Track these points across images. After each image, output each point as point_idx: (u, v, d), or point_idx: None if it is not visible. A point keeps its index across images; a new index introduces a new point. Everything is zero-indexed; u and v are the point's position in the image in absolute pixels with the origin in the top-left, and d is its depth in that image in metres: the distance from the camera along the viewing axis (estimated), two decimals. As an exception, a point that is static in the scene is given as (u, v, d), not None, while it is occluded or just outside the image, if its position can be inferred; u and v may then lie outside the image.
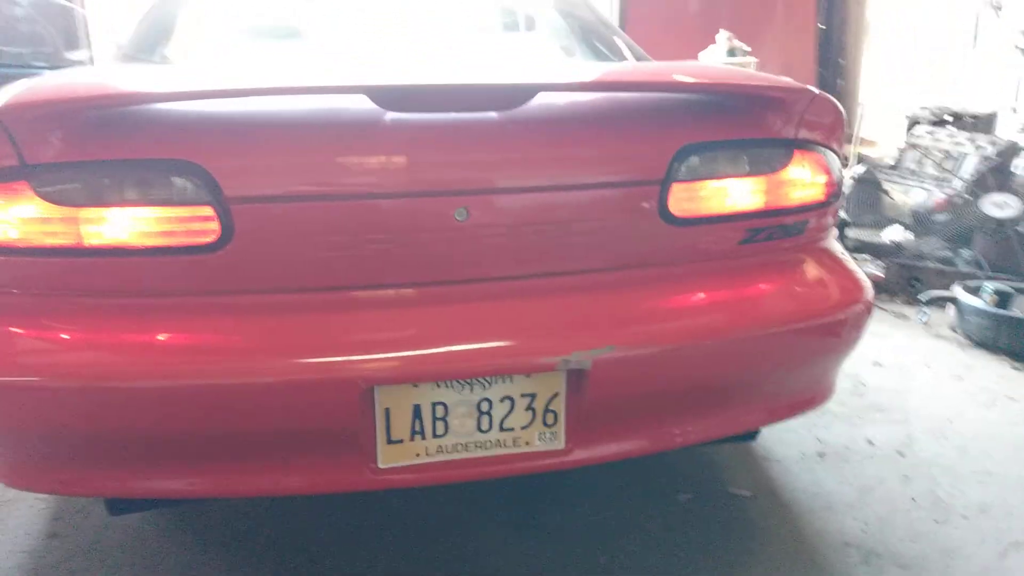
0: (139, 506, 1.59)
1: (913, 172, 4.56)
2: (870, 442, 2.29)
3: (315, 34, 2.52)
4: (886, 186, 4.46)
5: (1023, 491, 2.04)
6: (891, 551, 1.80)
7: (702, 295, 1.48)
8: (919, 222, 4.12)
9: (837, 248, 1.69)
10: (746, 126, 1.49)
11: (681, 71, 1.67)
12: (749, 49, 5.62)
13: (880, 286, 3.59)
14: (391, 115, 1.32)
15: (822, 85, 7.49)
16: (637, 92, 1.51)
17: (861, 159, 4.82)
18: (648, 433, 1.50)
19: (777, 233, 1.54)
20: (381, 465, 1.36)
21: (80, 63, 3.95)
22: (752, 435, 1.79)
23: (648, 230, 1.43)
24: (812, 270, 1.59)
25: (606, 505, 1.96)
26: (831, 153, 1.58)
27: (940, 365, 2.86)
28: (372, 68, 1.82)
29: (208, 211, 1.27)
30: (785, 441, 2.28)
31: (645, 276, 1.46)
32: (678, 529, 1.87)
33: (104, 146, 1.27)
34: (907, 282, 3.51)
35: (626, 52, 2.32)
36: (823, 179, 1.56)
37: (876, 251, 3.93)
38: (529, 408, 1.39)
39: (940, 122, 4.83)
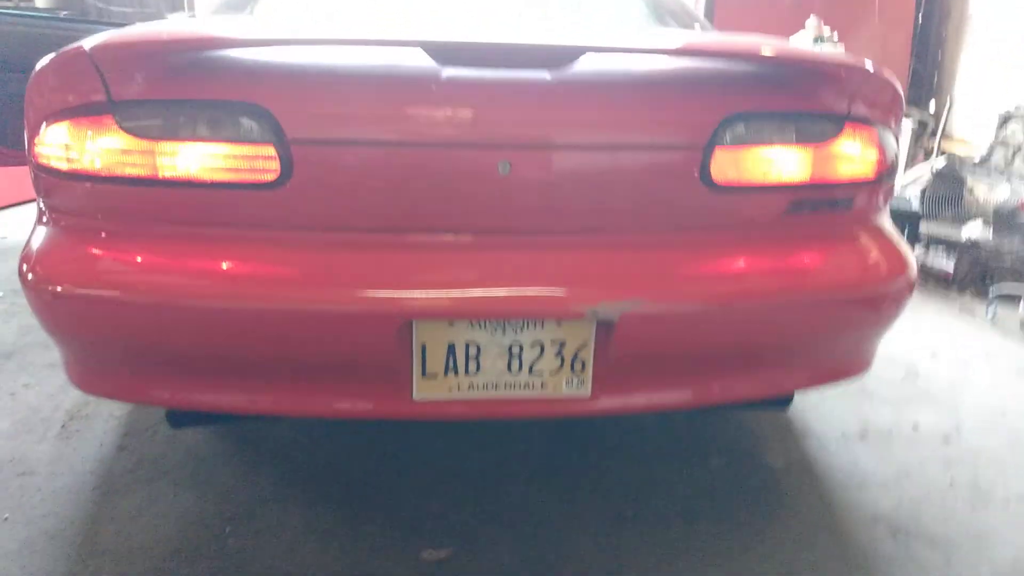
0: (196, 420, 1.73)
1: (1000, 170, 4.38)
2: (915, 428, 2.27)
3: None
4: (970, 183, 4.30)
5: (1071, 487, 1.99)
6: (921, 530, 1.80)
7: (737, 261, 1.50)
8: (1001, 220, 3.95)
9: (886, 225, 1.68)
10: (796, 98, 1.50)
11: (735, 41, 1.69)
12: (836, 37, 5.46)
13: (950, 280, 3.49)
14: (444, 70, 1.40)
15: (916, 79, 7.21)
16: (686, 57, 1.54)
17: (944, 154, 4.64)
18: (674, 389, 1.55)
19: (822, 206, 1.55)
20: (416, 397, 1.45)
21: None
22: (784, 403, 1.80)
23: (688, 194, 1.47)
24: (854, 244, 1.59)
25: (638, 463, 2.01)
26: (885, 130, 1.58)
27: (1001, 360, 2.77)
28: (433, 26, 1.89)
29: (270, 151, 1.38)
30: (826, 419, 2.28)
31: (681, 239, 1.49)
32: (706, 492, 1.91)
33: (181, 86, 1.38)
34: (979, 278, 3.40)
35: (692, 19, 2.34)
36: (874, 156, 1.56)
37: (951, 246, 3.81)
38: (558, 355, 1.45)
39: (1035, 120, 4.61)
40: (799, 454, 2.10)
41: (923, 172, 4.16)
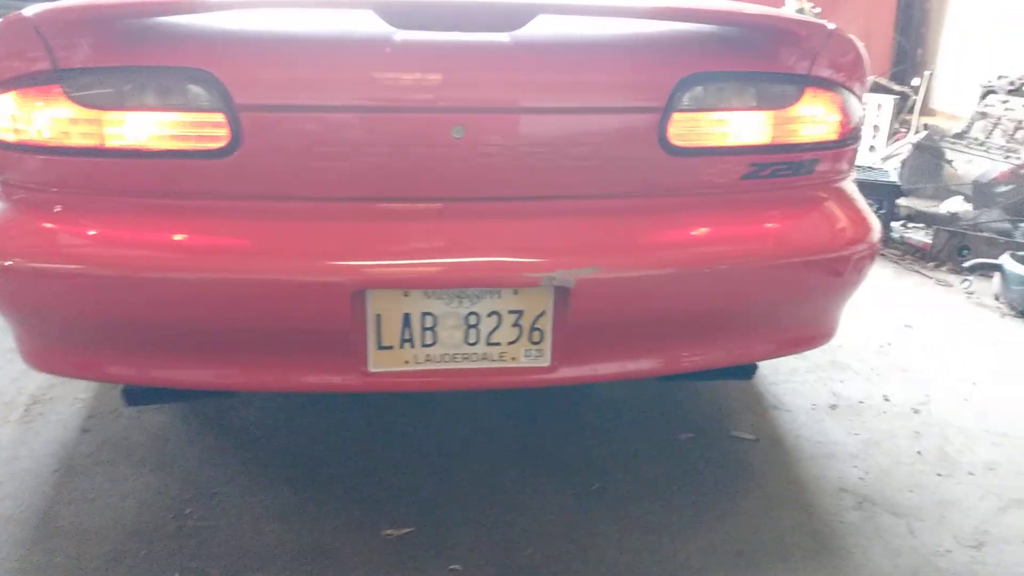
0: (152, 397, 1.71)
1: (980, 142, 4.38)
2: (886, 398, 2.27)
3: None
4: (949, 155, 4.29)
5: (1039, 454, 2.00)
6: (887, 499, 1.80)
7: (697, 226, 1.48)
8: (980, 193, 3.96)
9: (850, 190, 1.67)
10: (755, 59, 1.48)
11: (694, 2, 1.66)
12: (819, 10, 5.44)
13: (927, 253, 3.49)
14: (395, 32, 1.37)
15: (900, 54, 7.19)
16: (641, 18, 1.51)
17: (926, 127, 4.64)
18: (634, 358, 1.53)
19: (783, 170, 1.53)
20: (372, 369, 1.43)
21: None
22: (748, 373, 1.78)
23: (646, 159, 1.44)
24: (816, 209, 1.57)
25: (606, 439, 2.00)
26: (848, 93, 1.56)
27: (975, 332, 2.78)
28: None
29: (219, 117, 1.34)
30: (797, 392, 2.28)
31: (640, 204, 1.47)
32: (674, 465, 1.90)
33: (127, 53, 1.35)
34: (956, 251, 3.40)
35: None
36: (836, 118, 1.54)
37: (930, 220, 3.81)
38: (516, 324, 1.43)
39: (1016, 91, 4.60)
40: (768, 427, 2.10)
41: (903, 146, 4.15)
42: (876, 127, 4.67)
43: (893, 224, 3.75)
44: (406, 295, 1.39)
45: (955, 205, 4.00)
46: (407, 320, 1.41)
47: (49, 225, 1.42)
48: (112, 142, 1.37)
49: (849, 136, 1.57)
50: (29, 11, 1.36)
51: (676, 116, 1.43)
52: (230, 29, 1.41)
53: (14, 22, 1.36)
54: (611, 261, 1.41)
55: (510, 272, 1.39)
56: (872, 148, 4.64)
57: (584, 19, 1.53)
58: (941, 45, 7.02)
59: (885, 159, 4.10)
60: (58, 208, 1.42)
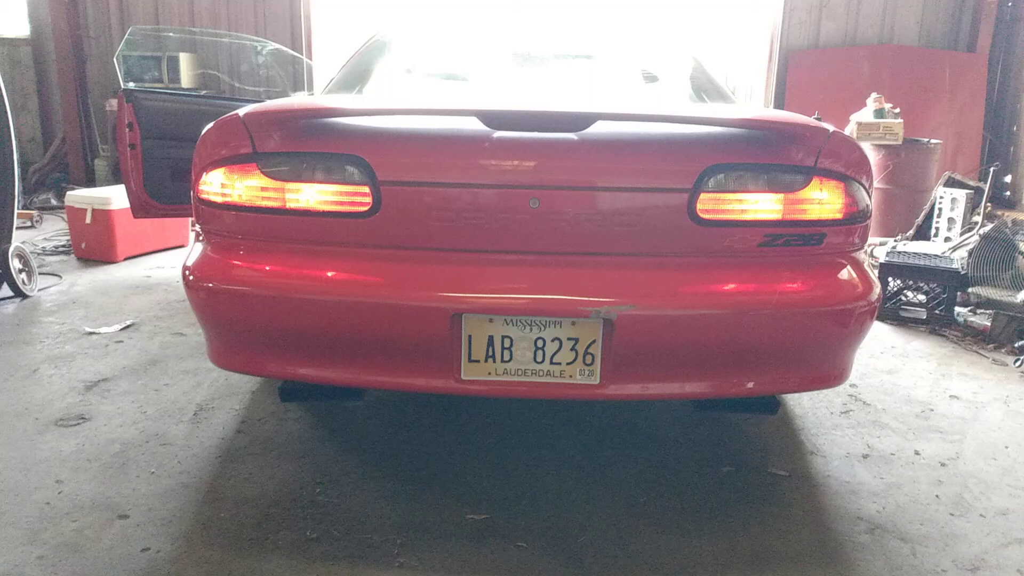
0: (300, 395, 2.21)
1: (1055, 235, 4.51)
2: (917, 452, 2.52)
3: (474, 77, 3.18)
4: (1023, 247, 4.45)
5: (1052, 506, 2.20)
6: (898, 528, 2.06)
7: (717, 279, 1.89)
8: (1052, 283, 4.10)
9: (857, 259, 2.03)
10: (768, 153, 1.90)
11: (724, 110, 2.10)
12: (898, 110, 5.75)
13: (987, 336, 3.67)
14: (492, 131, 1.88)
15: (991, 152, 7.34)
16: (675, 123, 1.98)
17: (1005, 220, 4.80)
18: (669, 381, 1.92)
19: (794, 240, 1.92)
20: (463, 377, 1.89)
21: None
22: (771, 409, 2.12)
23: (678, 227, 1.88)
24: (822, 271, 1.94)
25: (657, 465, 2.36)
26: (852, 182, 1.94)
27: (1020, 404, 2.96)
28: (488, 99, 2.40)
29: (366, 189, 1.89)
30: (835, 443, 2.56)
31: (671, 262, 1.90)
32: (712, 490, 2.24)
33: (304, 143, 1.92)
34: (1015, 334, 3.57)
35: (708, 88, 2.79)
36: (840, 202, 1.93)
37: (998, 306, 3.97)
38: (573, 349, 1.86)
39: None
40: (802, 467, 2.40)
41: (972, 236, 4.36)
42: (951, 219, 4.87)
43: (958, 309, 3.95)
44: (491, 321, 1.86)
45: (1027, 294, 4.15)
46: (491, 341, 1.87)
47: (240, 262, 1.98)
48: (290, 204, 1.93)
49: (852, 215, 1.95)
50: (241, 111, 1.98)
51: (703, 195, 1.86)
52: (375, 127, 1.97)
53: (230, 118, 1.97)
54: (646, 301, 1.83)
55: (568, 306, 1.83)
56: (947, 239, 4.84)
57: (632, 123, 2.00)
58: (1035, 143, 7.11)
59: (954, 249, 4.30)
60: (247, 250, 1.98)
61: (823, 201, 1.92)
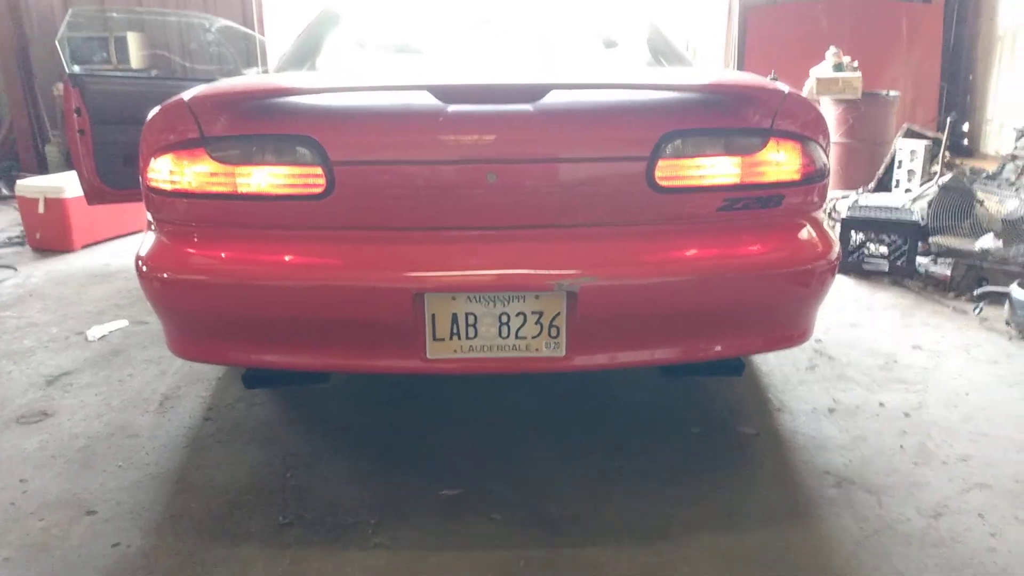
0: (265, 381, 2.19)
1: (1011, 183, 4.59)
2: (881, 404, 2.57)
3: (426, 48, 3.12)
4: (980, 195, 4.52)
5: (1011, 450, 2.26)
6: (864, 480, 2.11)
7: (677, 246, 1.88)
8: (1009, 230, 4.17)
9: (818, 218, 2.03)
10: (725, 116, 1.89)
11: (679, 74, 2.08)
12: (856, 64, 5.77)
13: (947, 284, 3.74)
14: (445, 106, 1.84)
15: (948, 101, 7.41)
16: (634, 89, 1.95)
17: (961, 169, 4.87)
18: (635, 349, 1.93)
19: (753, 204, 1.92)
20: (429, 356, 1.87)
21: (254, 79, 4.80)
22: (737, 370, 2.14)
23: (637, 196, 1.86)
24: (782, 233, 1.94)
25: (627, 431, 2.38)
26: (809, 142, 1.94)
27: (980, 352, 3.03)
28: (441, 73, 2.35)
29: (319, 171, 1.84)
30: (801, 398, 2.60)
31: (632, 231, 1.88)
32: (683, 451, 2.26)
33: (252, 125, 1.87)
34: (975, 282, 3.64)
35: (665, 52, 2.77)
36: (798, 163, 1.92)
37: (960, 256, 4.04)
38: (538, 323, 1.85)
39: (1052, 134, 4.80)
40: (771, 424, 2.43)
41: (931, 187, 4.41)
42: (911, 171, 4.93)
43: (920, 260, 4.01)
44: (453, 299, 1.83)
45: (987, 242, 4.22)
46: (455, 318, 1.85)
47: (193, 249, 1.94)
48: (241, 189, 1.88)
49: (811, 176, 1.95)
50: (185, 95, 1.91)
51: (661, 162, 1.84)
52: (326, 106, 1.92)
53: (174, 103, 1.91)
54: (609, 271, 1.83)
55: (531, 280, 1.82)
56: (908, 191, 4.90)
57: (588, 92, 1.97)
58: (991, 91, 7.20)
59: (914, 200, 4.35)
60: (200, 237, 1.93)
61: (780, 163, 1.91)
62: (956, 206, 4.26)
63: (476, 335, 1.87)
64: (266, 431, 2.42)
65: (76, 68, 4.22)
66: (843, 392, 2.66)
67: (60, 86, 4.24)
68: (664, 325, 1.90)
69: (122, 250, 4.93)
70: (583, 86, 1.99)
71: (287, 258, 1.88)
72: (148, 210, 2.03)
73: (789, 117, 1.90)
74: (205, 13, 5.40)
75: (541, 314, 1.85)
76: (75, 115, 4.35)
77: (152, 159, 1.92)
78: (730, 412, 2.51)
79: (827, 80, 5.62)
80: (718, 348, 1.95)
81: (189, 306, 1.94)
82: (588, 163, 1.87)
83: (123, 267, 4.50)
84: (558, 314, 1.84)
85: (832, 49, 5.82)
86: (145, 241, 2.02)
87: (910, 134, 5.15)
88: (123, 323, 3.47)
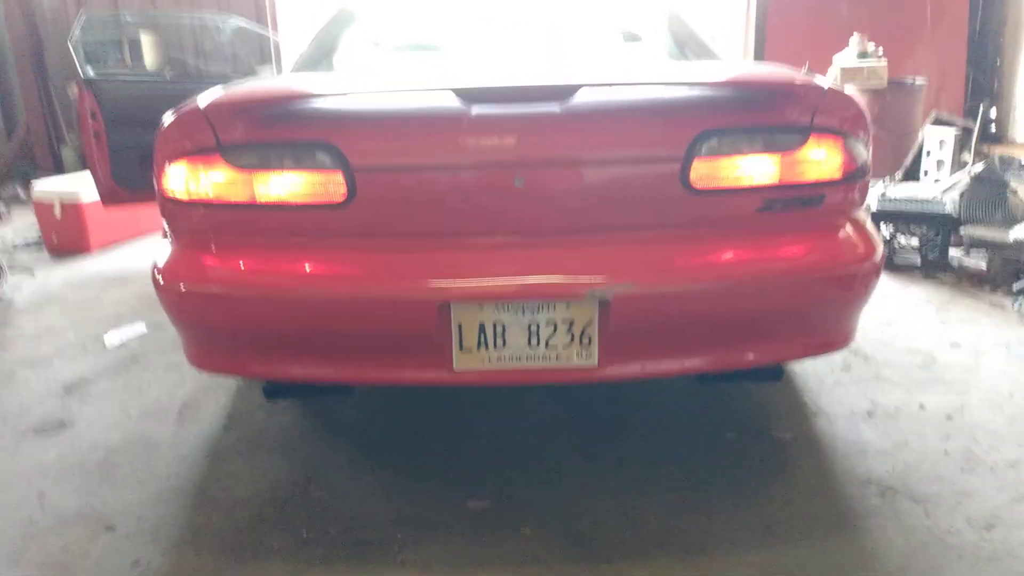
0: (286, 392, 2.12)
1: (1047, 171, 4.44)
2: (922, 407, 2.47)
3: (444, 45, 3.04)
4: (1013, 184, 4.38)
5: (1063, 454, 2.16)
6: (909, 489, 2.02)
7: (714, 251, 1.79)
8: (1044, 221, 4.04)
9: (857, 218, 1.94)
10: (761, 114, 1.80)
11: (715, 70, 1.99)
12: (881, 51, 5.62)
13: (983, 278, 3.63)
14: (469, 108, 1.76)
15: (974, 88, 7.23)
16: (666, 86, 1.87)
17: (993, 157, 4.72)
18: (667, 359, 1.85)
19: (793, 204, 1.83)
20: (456, 367, 1.80)
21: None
22: (776, 376, 2.05)
23: (671, 198, 1.77)
24: (824, 234, 1.85)
25: (659, 437, 2.30)
26: (851, 138, 1.84)
27: (1020, 348, 2.92)
28: (464, 73, 2.27)
29: (339, 178, 1.77)
30: (838, 400, 2.51)
31: (667, 235, 1.80)
32: (718, 459, 2.18)
33: (270, 131, 1.80)
34: (1012, 275, 3.52)
35: (692, 46, 2.67)
36: (839, 160, 1.83)
37: (992, 247, 3.92)
38: (568, 331, 1.78)
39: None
40: (808, 428, 2.34)
41: (962, 177, 4.28)
42: (940, 161, 4.79)
43: (952, 252, 3.89)
44: (481, 308, 1.76)
45: (1021, 232, 4.09)
46: (482, 328, 1.78)
47: (212, 260, 1.87)
48: (260, 197, 1.81)
49: (851, 173, 1.85)
50: (201, 100, 1.85)
51: (696, 162, 1.76)
52: (346, 110, 1.84)
53: (189, 109, 1.84)
54: (643, 278, 1.75)
55: (562, 289, 1.74)
56: (937, 180, 4.77)
57: (617, 89, 1.89)
58: (1018, 77, 7.01)
59: (946, 191, 4.23)
60: (218, 247, 1.87)
61: (822, 161, 1.82)
62: (989, 196, 4.13)
63: (505, 345, 1.79)
64: (287, 440, 2.36)
65: (90, 71, 4.18)
66: (881, 393, 2.56)
67: (74, 88, 4.19)
68: (701, 332, 1.82)
69: (138, 252, 4.89)
70: (614, 84, 1.91)
71: (308, 268, 1.82)
72: (164, 219, 1.97)
73: (829, 113, 1.81)
74: (219, 13, 5.35)
75: (572, 323, 1.77)
76: (90, 118, 4.32)
77: (167, 167, 1.86)
78: (765, 416, 2.43)
79: (852, 70, 5.48)
80: (758, 355, 1.87)
81: (208, 319, 1.88)
82: (619, 165, 1.79)
83: (140, 270, 4.46)
84: (589, 322, 1.77)
85: (855, 36, 5.67)
86: (161, 251, 1.96)
87: (938, 122, 5.01)
88: (141, 328, 3.43)
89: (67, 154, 7.50)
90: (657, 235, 1.81)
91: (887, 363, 2.81)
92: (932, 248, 3.90)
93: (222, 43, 5.24)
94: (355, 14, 3.13)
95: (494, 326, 1.78)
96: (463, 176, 1.78)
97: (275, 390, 2.07)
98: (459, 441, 2.33)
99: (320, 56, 2.93)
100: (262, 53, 5.49)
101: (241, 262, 1.85)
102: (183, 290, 1.86)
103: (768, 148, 1.79)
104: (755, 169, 1.79)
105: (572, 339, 1.79)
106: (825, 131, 1.80)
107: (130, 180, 4.23)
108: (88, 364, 3.05)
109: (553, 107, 1.77)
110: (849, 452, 2.21)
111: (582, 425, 2.40)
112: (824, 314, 1.89)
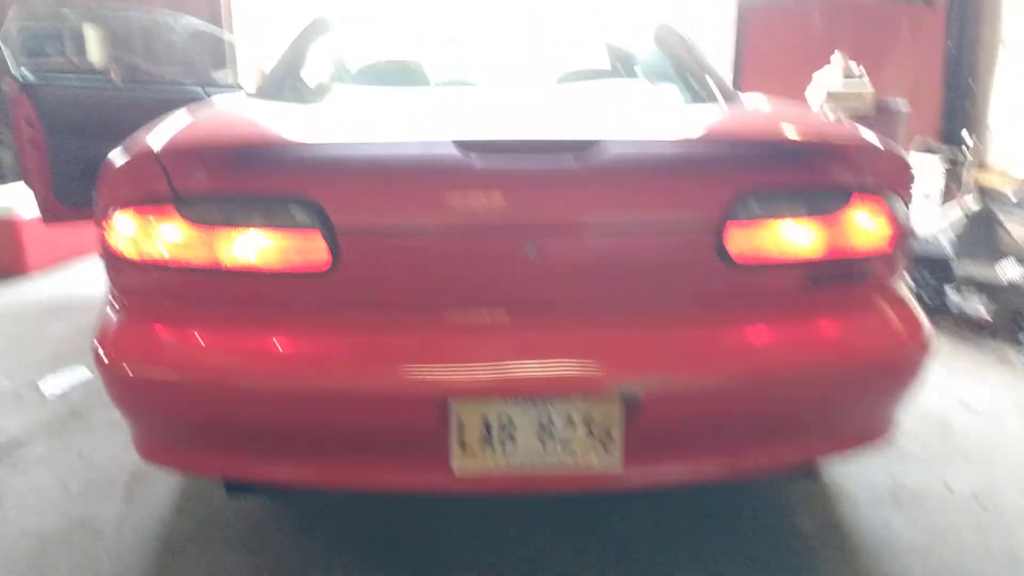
0: (253, 490, 1.84)
1: (1035, 207, 4.35)
2: (948, 487, 2.29)
3: (440, 79, 2.76)
4: (1005, 221, 4.28)
5: (1106, 549, 2.00)
6: (951, 597, 1.83)
7: (755, 334, 1.58)
8: (1037, 260, 3.94)
9: (902, 291, 1.74)
10: (807, 172, 1.58)
11: (746, 120, 1.77)
12: (861, 71, 5.49)
13: (983, 325, 3.50)
14: (474, 161, 1.51)
15: (948, 108, 7.19)
16: (696, 141, 1.64)
17: (982, 189, 4.62)
18: (703, 462, 1.62)
19: (837, 279, 1.62)
20: (456, 472, 1.54)
21: (226, 83, 4.37)
22: (812, 474, 1.85)
23: (705, 270, 1.55)
24: (871, 313, 1.65)
25: (668, 527, 2.07)
26: (898, 201, 1.64)
27: (1037, 412, 2.78)
28: (464, 118, 2.01)
29: (320, 240, 1.50)
30: (857, 478, 2.31)
31: (702, 314, 1.58)
32: (735, 553, 1.96)
33: (237, 180, 1.52)
34: (1014, 323, 3.40)
35: (715, 90, 2.42)
36: (888, 230, 1.62)
37: (987, 289, 3.79)
38: (588, 430, 1.53)
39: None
40: (830, 515, 2.14)
41: (954, 212, 4.16)
42: (926, 195, 4.68)
43: (948, 290, 3.76)
44: (485, 401, 1.51)
45: (1010, 269, 3.98)
46: (487, 425, 1.52)
47: (165, 335, 1.58)
48: (222, 260, 1.52)
49: (902, 241, 1.65)
50: (154, 142, 1.56)
51: (732, 231, 1.53)
52: (329, 158, 1.57)
53: (139, 152, 1.55)
54: (675, 370, 1.52)
55: (582, 383, 1.50)
56: (928, 215, 4.65)
57: (645, 144, 1.65)
58: (992, 98, 6.99)
59: (939, 230, 4.10)
60: (173, 319, 1.58)
61: (867, 230, 1.62)
62: (985, 234, 4.02)
63: (513, 444, 1.54)
64: (251, 529, 2.06)
65: (27, 73, 3.78)
66: (902, 469, 2.38)
67: (6, 89, 3.79)
68: (741, 432, 1.60)
69: (83, 276, 4.49)
70: (643, 140, 1.66)
71: (280, 349, 1.54)
72: (109, 279, 1.68)
73: (882, 173, 1.62)
74: (171, 10, 4.96)
75: (592, 419, 1.53)
76: (27, 127, 3.93)
77: (112, 218, 1.56)
78: (778, 498, 2.21)
79: (838, 94, 5.33)
80: (803, 453, 1.66)
81: (158, 407, 1.59)
82: (646, 232, 1.55)
83: (84, 297, 4.08)
84: (612, 419, 1.53)
85: (839, 54, 5.54)
86: (104, 318, 1.67)
87: (924, 147, 4.89)
88: (84, 373, 3.08)
89: (4, 155, 6.98)
90: (690, 315, 1.58)
91: (902, 430, 2.62)
92: (925, 288, 3.75)
93: (173, 43, 4.85)
94: (330, 24, 2.81)
95: (500, 421, 1.53)
96: (466, 241, 1.53)
97: (240, 486, 1.78)
98: (439, 529, 2.06)
99: (293, 72, 2.61)
100: (216, 57, 5.11)
101: (200, 339, 1.57)
102: (128, 372, 1.57)
103: (813, 212, 1.58)
104: (800, 237, 1.58)
105: (592, 439, 1.54)
106: (876, 192, 1.61)
107: (73, 196, 3.88)
108: (22, 420, 2.70)
109: (568, 162, 1.52)
110: (879, 548, 2.00)
111: (581, 512, 2.14)
112: (872, 404, 1.68)
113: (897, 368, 1.63)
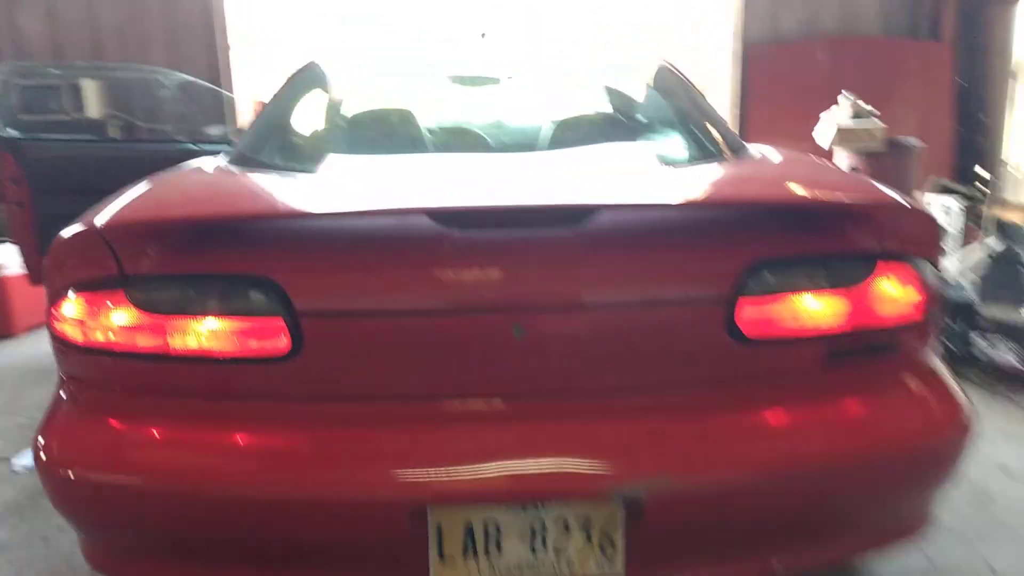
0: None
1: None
2: (991, 568, 2.07)
3: (421, 116, 2.61)
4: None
5: None
6: None
7: (774, 421, 1.40)
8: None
9: (933, 364, 1.55)
10: (827, 239, 1.42)
11: (757, 181, 1.61)
12: (876, 112, 5.35)
13: (1015, 376, 3.29)
14: (450, 234, 1.35)
15: (961, 144, 7.04)
16: (703, 206, 1.47)
17: (1002, 226, 4.42)
18: (718, 569, 1.42)
19: (862, 355, 1.44)
20: (436, 583, 1.35)
21: (219, 138, 4.23)
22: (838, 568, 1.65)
23: (714, 350, 1.37)
24: (901, 394, 1.47)
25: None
26: (926, 265, 1.47)
27: (1082, 476, 2.55)
28: (445, 180, 1.85)
29: (280, 324, 1.33)
30: (888, 559, 2.09)
31: (710, 399, 1.40)
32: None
33: (189, 260, 1.37)
34: (1048, 374, 3.19)
35: (720, 141, 2.24)
36: (917, 297, 1.45)
37: (1016, 333, 3.58)
38: (585, 534, 1.35)
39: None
40: (862, 605, 1.93)
41: (976, 253, 3.97)
42: (946, 234, 4.49)
43: (975, 338, 3.55)
44: (469, 505, 1.33)
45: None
46: (469, 530, 1.34)
47: (113, 432, 1.43)
48: (176, 347, 1.37)
49: (929, 311, 1.47)
50: (98, 219, 1.41)
51: (744, 305, 1.36)
52: (289, 234, 1.42)
53: (84, 232, 1.40)
54: (683, 467, 1.33)
55: (577, 484, 1.32)
56: (949, 258, 4.46)
57: (644, 210, 1.48)
58: (1006, 132, 6.84)
59: (960, 272, 3.91)
60: (122, 412, 1.42)
61: (895, 298, 1.44)
62: (1007, 273, 3.82)
63: (500, 552, 1.35)
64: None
65: (10, 130, 3.70)
66: (938, 546, 2.15)
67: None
68: (756, 533, 1.40)
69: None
70: (642, 204, 1.49)
71: (237, 448, 1.38)
72: (57, 363, 1.52)
73: (908, 235, 1.45)
74: (165, 68, 4.91)
75: (590, 522, 1.34)
76: (12, 185, 3.84)
77: (58, 302, 1.41)
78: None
79: (849, 132, 5.18)
80: (830, 553, 1.46)
81: (106, 514, 1.42)
82: (647, 307, 1.37)
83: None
84: (613, 523, 1.34)
85: (846, 95, 5.40)
86: (50, 412, 1.50)
87: (941, 188, 4.73)
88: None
89: None
90: (699, 402, 1.40)
91: (933, 497, 2.41)
92: (951, 337, 3.54)
93: (164, 99, 4.78)
94: (319, 76, 2.65)
95: (485, 527, 1.34)
96: (445, 324, 1.36)
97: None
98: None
99: (275, 128, 2.44)
100: (212, 112, 5.02)
101: (150, 435, 1.41)
102: (70, 475, 1.40)
103: (834, 283, 1.41)
104: (820, 309, 1.40)
105: (590, 544, 1.35)
106: (906, 261, 1.44)
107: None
108: (-15, 500, 2.53)
109: (561, 231, 1.36)
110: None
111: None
112: (907, 497, 1.48)
113: (933, 454, 1.44)
